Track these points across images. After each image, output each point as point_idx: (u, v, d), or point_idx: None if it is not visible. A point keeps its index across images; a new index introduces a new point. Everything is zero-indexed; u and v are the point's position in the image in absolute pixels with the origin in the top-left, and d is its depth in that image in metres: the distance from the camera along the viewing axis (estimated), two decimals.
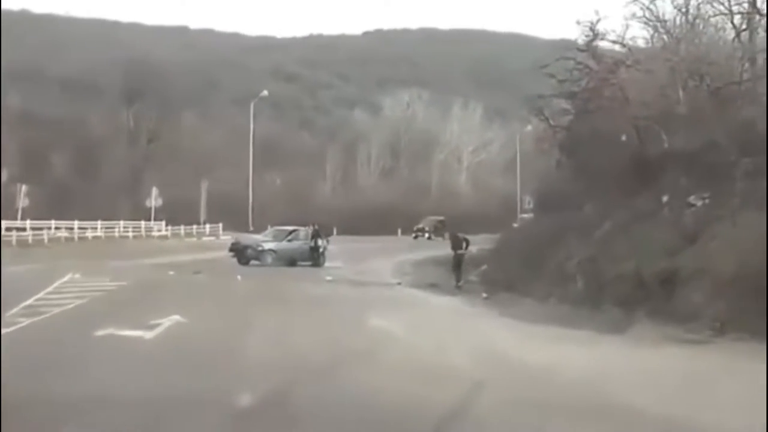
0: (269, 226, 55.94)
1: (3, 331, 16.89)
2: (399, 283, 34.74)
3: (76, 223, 65.43)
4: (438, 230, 79.51)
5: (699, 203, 27.00)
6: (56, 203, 73.00)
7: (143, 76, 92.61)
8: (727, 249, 21.62)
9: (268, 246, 47.72)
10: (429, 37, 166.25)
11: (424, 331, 20.13)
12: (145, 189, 77.41)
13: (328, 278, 36.50)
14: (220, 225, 71.86)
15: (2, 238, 53.25)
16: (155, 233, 73.58)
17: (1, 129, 72.66)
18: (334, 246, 49.49)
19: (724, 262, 21.03)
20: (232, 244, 49.55)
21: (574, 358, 16.21)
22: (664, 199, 28.61)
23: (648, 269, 23.92)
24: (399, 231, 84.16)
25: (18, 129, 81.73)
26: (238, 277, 35.16)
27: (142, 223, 74.96)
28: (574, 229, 32.99)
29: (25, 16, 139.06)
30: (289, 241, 48.29)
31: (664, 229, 26.37)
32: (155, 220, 77.17)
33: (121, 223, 71.92)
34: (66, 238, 62.33)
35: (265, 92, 76.45)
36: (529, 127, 64.02)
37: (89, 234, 65.80)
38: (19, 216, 65.59)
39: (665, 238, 25.37)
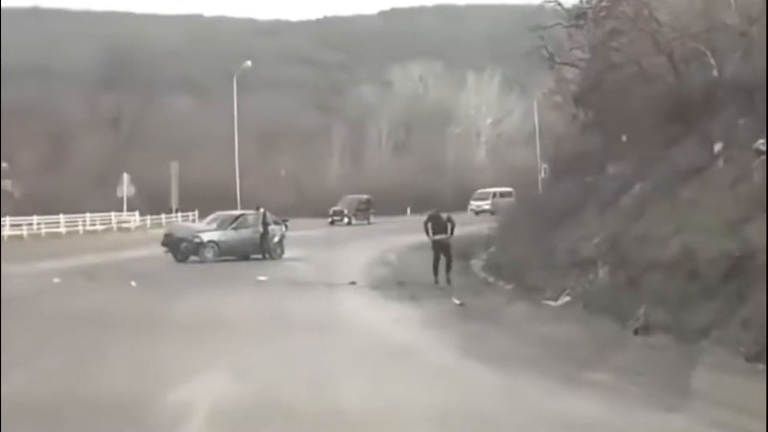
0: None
1: None
2: (353, 283, 25.13)
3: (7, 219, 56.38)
4: (361, 212, 69.82)
5: None
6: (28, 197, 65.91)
7: (127, 63, 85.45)
8: None
9: (207, 237, 36.45)
10: (444, 13, 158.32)
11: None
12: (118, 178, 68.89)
13: (262, 278, 27.03)
14: (195, 213, 61.07)
15: None
16: (130, 225, 65.30)
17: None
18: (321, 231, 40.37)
19: None
20: (165, 236, 38.03)
21: None
22: (717, 147, 19.16)
23: (704, 252, 14.85)
24: (408, 210, 75.44)
25: None
26: (132, 283, 25.51)
27: (112, 214, 66.26)
28: (592, 197, 24.09)
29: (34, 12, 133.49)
30: (235, 229, 37.02)
31: (720, 189, 17.20)
32: (129, 210, 68.35)
33: (87, 215, 63.05)
34: (27, 236, 54.99)
35: (249, 63, 66.84)
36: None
37: (44, 231, 57.96)
38: None
39: (725, 204, 16.24)
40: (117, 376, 12.19)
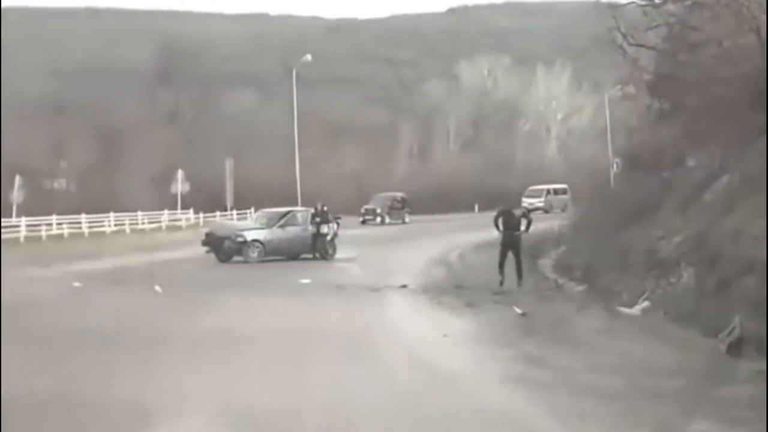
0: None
1: None
2: (404, 286, 22.49)
3: (52, 218, 54.36)
4: (395, 211, 64.58)
5: None
6: (81, 195, 64.82)
7: (186, 61, 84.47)
8: None
9: (251, 236, 33.71)
10: (514, 9, 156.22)
11: None
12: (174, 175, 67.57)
13: (304, 281, 24.62)
14: (251, 210, 58.77)
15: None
16: (181, 223, 62.80)
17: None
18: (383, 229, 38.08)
19: None
20: (206, 235, 35.09)
21: None
22: None
23: None
24: (476, 207, 73.21)
25: (42, 121, 73.38)
26: (157, 288, 22.77)
27: (165, 212, 63.84)
28: (671, 192, 21.84)
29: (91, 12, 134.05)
30: (282, 227, 34.16)
31: None
32: (184, 208, 66.09)
33: (139, 214, 61.02)
34: (68, 235, 52.99)
35: (308, 57, 64.40)
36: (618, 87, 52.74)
37: (105, 229, 56.17)
38: (13, 213, 55.13)
39: None
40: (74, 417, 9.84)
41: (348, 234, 38.00)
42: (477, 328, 16.22)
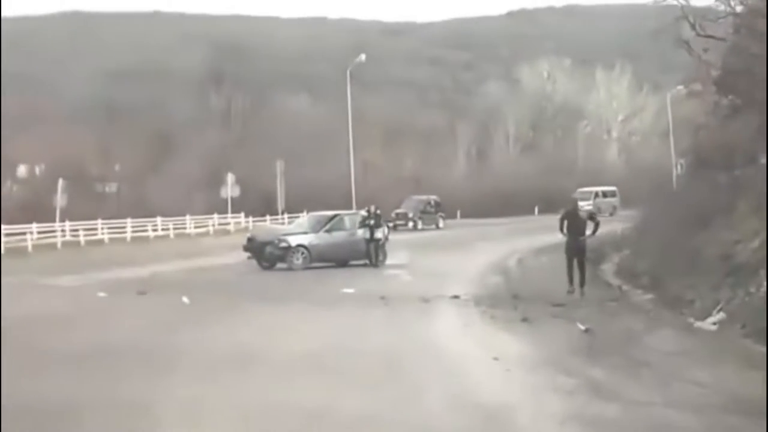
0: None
1: None
2: (455, 297, 20.50)
3: (78, 224, 52.10)
4: (428, 215, 61.09)
5: None
6: (130, 199, 63.81)
7: (242, 64, 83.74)
8: None
9: (295, 241, 31.35)
10: (573, 13, 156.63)
11: None
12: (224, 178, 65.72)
13: (348, 290, 22.75)
14: (303, 214, 56.65)
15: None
16: (230, 227, 60.57)
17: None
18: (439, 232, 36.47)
19: None
20: (248, 240, 33.00)
21: None
22: None
23: None
24: (536, 210, 71.49)
25: (94, 124, 72.82)
26: (184, 298, 20.78)
27: (214, 216, 61.79)
28: (744, 192, 20.13)
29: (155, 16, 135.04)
30: (328, 232, 32.03)
31: None
32: (235, 212, 63.90)
33: (187, 218, 59.22)
34: (109, 240, 51.38)
35: (363, 57, 62.79)
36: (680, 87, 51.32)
37: (150, 234, 54.58)
38: (57, 217, 53.69)
39: None
40: None
41: (402, 238, 36.56)
42: (534, 348, 14.01)
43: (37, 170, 71.85)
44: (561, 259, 21.85)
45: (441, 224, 60.38)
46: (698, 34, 23.92)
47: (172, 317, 18.38)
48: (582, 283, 20.84)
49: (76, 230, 50.97)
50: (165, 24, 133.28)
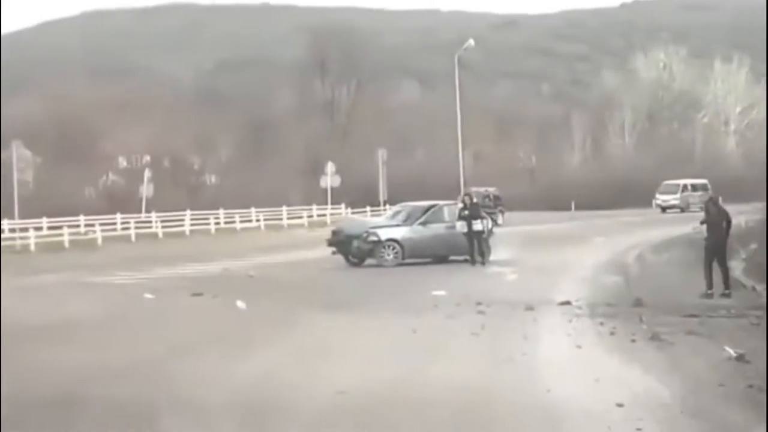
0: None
1: None
2: (566, 303, 17.28)
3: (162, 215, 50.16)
4: (486, 209, 54.47)
5: None
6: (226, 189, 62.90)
7: (349, 55, 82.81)
8: None
9: (386, 234, 27.45)
10: (688, 4, 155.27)
11: None
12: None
13: (439, 293, 19.11)
14: None
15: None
16: (325, 219, 56.75)
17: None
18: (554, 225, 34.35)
19: None
20: (332, 233, 29.23)
21: None
22: None
23: None
24: (654, 203, 69.07)
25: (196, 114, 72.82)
26: (239, 303, 17.42)
27: (314, 207, 59.07)
28: None
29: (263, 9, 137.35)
30: (424, 224, 27.98)
31: None
32: (335, 203, 60.96)
33: (284, 209, 56.18)
34: (191, 232, 48.81)
35: (471, 42, 60.11)
36: None
37: (237, 226, 51.94)
38: (143, 207, 52.50)
39: None
40: None
41: (516, 231, 34.76)
42: (671, 387, 10.00)
43: (137, 162, 71.15)
44: (684, 254, 19.83)
45: (500, 220, 49.44)
46: None
47: (212, 328, 15.47)
48: (726, 286, 18.47)
49: (153, 221, 49.04)
50: (274, 15, 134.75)
